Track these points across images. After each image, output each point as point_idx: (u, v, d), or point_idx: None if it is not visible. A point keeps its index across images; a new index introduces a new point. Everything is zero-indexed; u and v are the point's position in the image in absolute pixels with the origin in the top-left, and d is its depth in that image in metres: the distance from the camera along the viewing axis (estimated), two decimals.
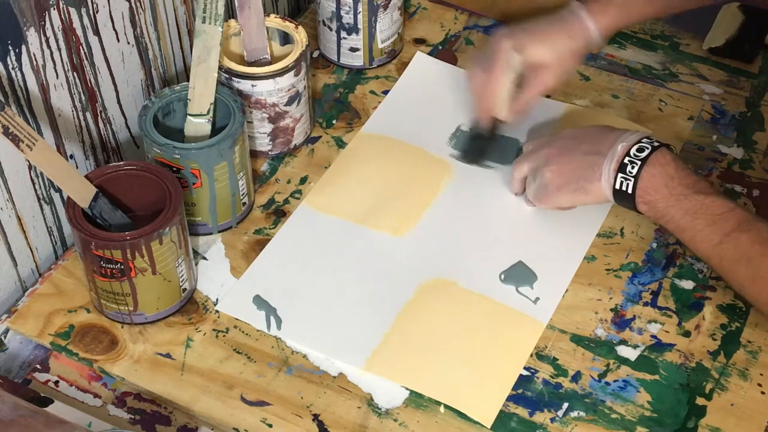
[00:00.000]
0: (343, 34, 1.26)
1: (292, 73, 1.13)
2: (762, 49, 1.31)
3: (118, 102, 1.15)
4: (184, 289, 1.03)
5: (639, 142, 0.99)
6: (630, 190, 0.99)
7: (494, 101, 1.13)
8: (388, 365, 1.00)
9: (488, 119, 1.16)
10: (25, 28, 0.97)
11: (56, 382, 0.99)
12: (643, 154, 0.98)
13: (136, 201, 1.03)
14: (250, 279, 1.07)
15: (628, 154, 0.99)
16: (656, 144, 0.99)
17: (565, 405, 0.97)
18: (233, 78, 1.12)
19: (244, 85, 1.12)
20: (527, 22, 1.13)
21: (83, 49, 1.06)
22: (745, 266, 0.94)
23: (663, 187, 0.97)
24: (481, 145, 1.18)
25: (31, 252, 1.08)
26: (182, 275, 1.01)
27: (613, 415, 0.96)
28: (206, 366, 1.00)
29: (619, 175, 0.99)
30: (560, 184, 1.04)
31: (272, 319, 1.03)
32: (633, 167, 0.98)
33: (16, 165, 1.02)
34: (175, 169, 1.04)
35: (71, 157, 1.10)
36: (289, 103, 1.15)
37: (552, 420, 0.96)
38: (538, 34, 1.11)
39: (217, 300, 1.05)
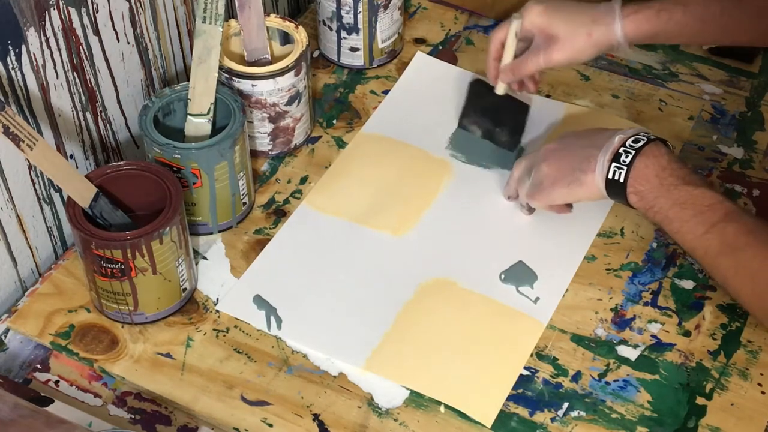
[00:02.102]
0: (344, 34, 1.26)
1: (292, 73, 1.13)
2: (762, 49, 1.31)
3: (118, 102, 1.15)
4: (185, 289, 1.03)
5: (636, 135, 1.00)
6: (622, 179, 0.98)
7: (488, 49, 1.14)
8: (388, 365, 1.00)
9: (492, 71, 1.16)
10: (25, 28, 0.98)
11: (56, 382, 0.99)
12: (638, 145, 0.98)
13: (136, 201, 1.03)
14: (250, 279, 1.07)
15: (623, 144, 0.99)
16: (652, 137, 0.99)
17: (565, 405, 0.97)
18: (233, 78, 1.12)
19: (244, 85, 1.13)
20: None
21: (83, 49, 1.06)
22: (729, 257, 0.94)
23: (654, 177, 0.97)
24: (484, 102, 1.18)
25: (31, 252, 1.08)
26: (182, 275, 1.01)
27: (613, 415, 0.96)
28: (206, 366, 1.00)
29: (613, 164, 0.99)
30: (556, 178, 1.04)
31: (272, 319, 1.03)
32: (627, 156, 0.98)
33: (16, 165, 1.02)
34: (175, 168, 1.04)
35: (71, 157, 1.10)
36: (289, 102, 1.15)
37: (552, 420, 0.96)
38: (565, 7, 1.10)
39: (217, 300, 1.05)
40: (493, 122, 1.18)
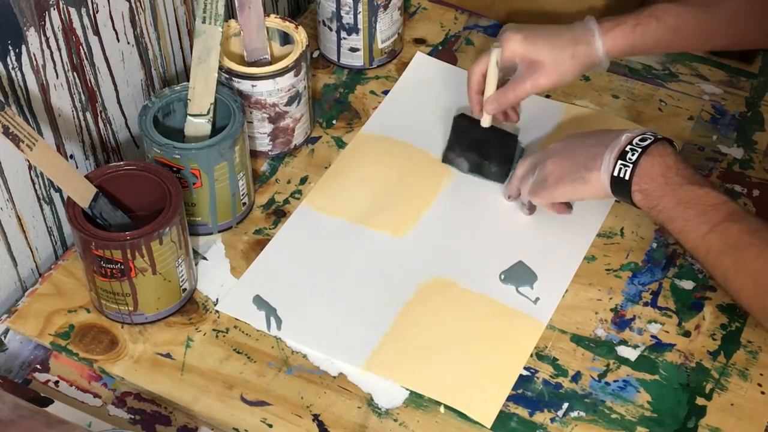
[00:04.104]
0: (343, 34, 1.26)
1: (292, 73, 1.13)
2: (762, 48, 1.31)
3: (118, 102, 1.15)
4: (184, 289, 1.03)
5: (643, 134, 1.00)
6: (627, 177, 0.98)
7: (470, 83, 1.14)
8: (388, 365, 1.00)
9: (476, 105, 1.15)
10: (25, 28, 0.98)
11: (56, 382, 0.99)
12: (645, 144, 0.99)
13: (136, 201, 1.03)
14: (250, 279, 1.07)
15: (630, 143, 0.99)
16: (659, 137, 1.00)
17: (565, 405, 0.97)
18: (233, 78, 1.12)
19: (244, 85, 1.13)
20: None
21: (83, 49, 1.06)
22: (731, 256, 0.94)
23: (660, 176, 0.98)
24: (470, 136, 1.16)
25: (31, 252, 1.08)
26: (182, 275, 1.01)
27: (613, 415, 0.96)
28: (206, 366, 1.00)
29: (619, 161, 0.99)
30: (560, 175, 1.04)
31: (272, 319, 1.03)
32: (633, 154, 0.98)
33: (16, 165, 1.02)
34: (175, 169, 1.04)
35: (71, 157, 1.10)
36: (289, 103, 1.15)
37: (552, 420, 0.96)
38: (543, 32, 1.10)
39: (217, 300, 1.05)
40: (480, 155, 1.15)
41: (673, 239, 1.07)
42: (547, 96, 1.26)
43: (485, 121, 1.15)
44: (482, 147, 1.16)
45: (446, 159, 1.18)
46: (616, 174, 0.99)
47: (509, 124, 1.19)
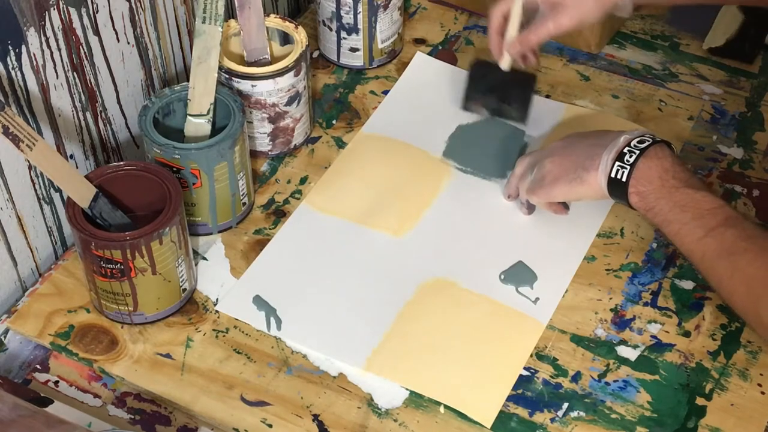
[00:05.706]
0: (343, 34, 1.26)
1: (292, 73, 1.13)
2: (762, 49, 1.31)
3: (118, 102, 1.15)
4: (184, 289, 1.03)
5: (642, 136, 1.00)
6: (624, 178, 0.98)
7: (490, 24, 1.13)
8: (388, 365, 1.00)
9: (496, 46, 1.15)
10: (25, 28, 0.98)
11: (56, 382, 0.99)
12: (643, 146, 0.99)
13: (136, 201, 1.03)
14: (250, 279, 1.07)
15: (628, 145, 0.99)
16: (658, 139, 1.00)
17: (565, 405, 0.97)
18: (233, 78, 1.12)
19: (244, 85, 1.13)
20: None
21: (83, 49, 1.06)
22: (726, 261, 0.94)
23: (657, 179, 0.97)
24: (488, 81, 1.17)
25: (31, 252, 1.08)
26: (182, 275, 1.01)
27: (613, 415, 0.97)
28: (206, 366, 1.00)
29: (616, 163, 0.99)
30: (558, 174, 1.04)
31: (272, 319, 1.03)
32: (631, 156, 0.98)
33: (16, 165, 1.02)
34: (175, 169, 1.04)
35: (71, 157, 1.10)
36: (289, 103, 1.15)
37: (552, 420, 0.96)
38: None
39: (217, 300, 1.05)
40: (500, 99, 1.18)
41: None
42: (547, 96, 1.26)
43: (505, 63, 1.16)
44: (501, 90, 1.17)
45: (465, 107, 1.20)
46: (613, 175, 0.99)
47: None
